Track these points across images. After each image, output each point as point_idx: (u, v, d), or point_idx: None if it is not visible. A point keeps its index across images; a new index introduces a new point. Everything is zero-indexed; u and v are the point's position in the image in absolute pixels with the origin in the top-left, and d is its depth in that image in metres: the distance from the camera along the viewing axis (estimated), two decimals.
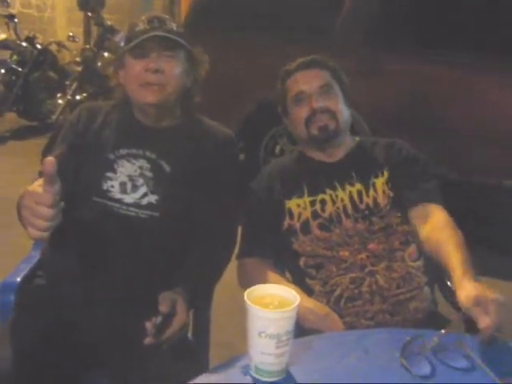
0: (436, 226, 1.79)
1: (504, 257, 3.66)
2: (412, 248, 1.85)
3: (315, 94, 1.92)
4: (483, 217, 4.05)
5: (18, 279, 1.84)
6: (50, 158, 1.33)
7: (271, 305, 1.25)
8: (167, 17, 1.84)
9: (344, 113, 1.96)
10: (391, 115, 4.20)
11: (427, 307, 1.82)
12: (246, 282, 1.79)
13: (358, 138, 2.05)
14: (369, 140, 2.07)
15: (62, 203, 1.40)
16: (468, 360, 1.35)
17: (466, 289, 1.47)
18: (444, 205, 1.87)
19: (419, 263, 1.84)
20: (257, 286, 1.30)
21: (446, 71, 4.10)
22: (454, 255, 1.63)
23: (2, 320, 1.74)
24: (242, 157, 4.63)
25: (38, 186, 1.39)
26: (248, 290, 1.27)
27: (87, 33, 6.33)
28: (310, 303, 1.70)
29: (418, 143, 3.88)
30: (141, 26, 1.79)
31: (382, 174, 1.91)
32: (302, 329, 1.61)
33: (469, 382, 1.29)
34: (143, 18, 1.81)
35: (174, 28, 1.81)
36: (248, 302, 1.23)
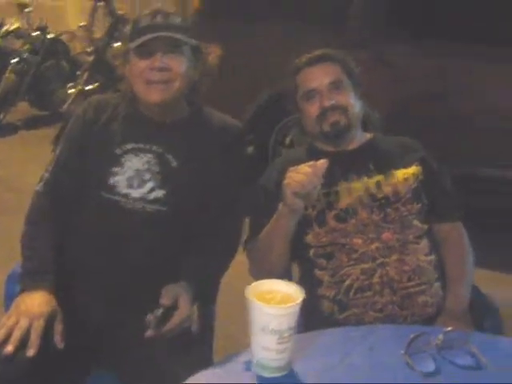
0: (453, 250, 1.90)
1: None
2: (425, 243, 1.85)
3: (325, 90, 1.90)
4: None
5: None
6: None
7: (273, 300, 1.25)
8: (171, 11, 1.81)
9: (355, 106, 1.94)
10: (401, 108, 4.16)
11: (436, 302, 1.80)
12: (256, 271, 1.82)
13: (370, 134, 2.03)
14: (385, 136, 2.06)
15: None
16: (473, 358, 1.34)
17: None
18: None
19: (431, 258, 1.84)
20: (259, 281, 1.29)
21: (458, 63, 4.06)
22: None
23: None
24: (251, 149, 4.63)
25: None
26: (250, 286, 1.26)
27: (98, 22, 6.32)
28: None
29: (430, 139, 3.95)
30: (144, 22, 1.77)
31: (407, 167, 1.90)
32: (306, 325, 1.61)
33: (474, 381, 1.28)
34: (146, 12, 1.79)
35: (178, 23, 1.79)
36: (250, 298, 1.22)
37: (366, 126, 2.06)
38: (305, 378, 1.27)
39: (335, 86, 1.91)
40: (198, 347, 1.77)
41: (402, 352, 1.32)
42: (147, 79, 1.75)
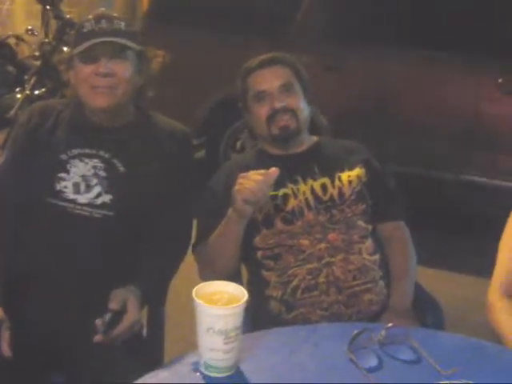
0: (396, 249, 1.96)
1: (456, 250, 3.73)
2: (369, 242, 1.90)
3: (276, 93, 1.93)
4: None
5: None
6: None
7: (220, 301, 1.26)
8: (115, 15, 1.81)
9: (304, 111, 1.98)
10: (351, 111, 4.24)
11: (381, 300, 1.85)
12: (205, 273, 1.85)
13: (316, 137, 2.07)
14: (329, 139, 2.11)
15: None
16: (414, 352, 1.38)
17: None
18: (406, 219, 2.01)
19: (376, 257, 1.89)
20: (206, 282, 1.31)
21: (406, 67, 4.16)
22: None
23: None
24: (202, 153, 4.64)
25: None
26: (197, 287, 1.28)
27: (45, 26, 6.23)
28: None
29: (380, 139, 4.05)
30: (88, 27, 1.76)
31: (351, 169, 1.95)
32: (254, 326, 1.64)
33: (415, 374, 1.32)
34: (90, 17, 1.78)
35: (123, 27, 1.78)
36: (195, 299, 1.24)
37: (313, 130, 2.11)
38: (252, 377, 1.29)
39: (286, 88, 1.94)
40: (149, 350, 1.79)
41: (346, 349, 1.36)
42: (92, 85, 1.75)
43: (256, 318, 1.87)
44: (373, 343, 1.39)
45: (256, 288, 1.90)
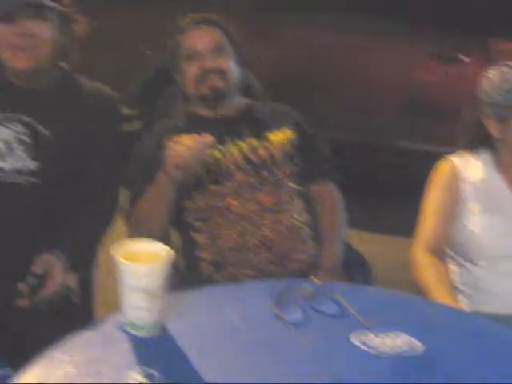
0: (326, 209, 1.97)
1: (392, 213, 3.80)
2: (299, 203, 1.91)
3: (207, 52, 1.92)
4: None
5: None
6: None
7: (143, 260, 1.25)
8: None
9: (235, 72, 1.97)
10: (287, 79, 4.23)
11: (311, 260, 1.88)
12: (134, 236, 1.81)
13: (248, 100, 2.06)
14: (261, 103, 2.11)
15: None
16: (339, 306, 1.40)
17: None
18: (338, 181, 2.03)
19: (305, 217, 1.91)
20: (128, 241, 1.29)
21: (343, 36, 4.17)
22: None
23: None
24: (139, 123, 4.56)
25: None
26: (119, 246, 1.26)
27: None
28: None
29: (313, 107, 4.06)
30: None
31: (281, 130, 1.95)
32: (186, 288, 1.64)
33: (339, 327, 1.35)
34: None
35: None
36: (117, 257, 1.22)
37: (250, 97, 2.10)
38: (178, 336, 1.28)
39: (217, 49, 1.93)
40: (79, 315, 1.76)
41: (272, 304, 1.37)
42: (11, 45, 1.69)
43: (187, 280, 1.88)
44: (299, 298, 1.41)
45: (187, 250, 1.90)
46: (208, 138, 1.69)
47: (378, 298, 1.47)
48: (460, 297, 1.88)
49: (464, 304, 1.86)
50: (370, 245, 2.60)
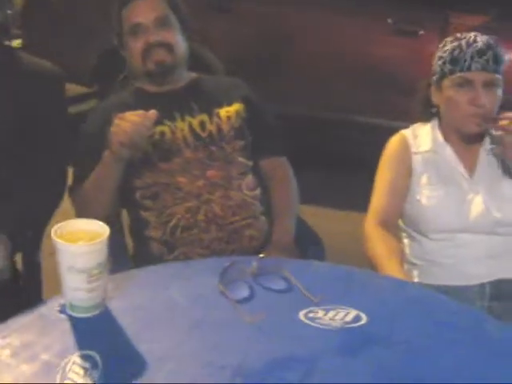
0: (277, 184, 1.95)
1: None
2: (250, 178, 1.89)
3: (152, 26, 1.86)
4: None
5: None
6: None
7: (82, 240, 1.22)
8: None
9: (181, 46, 1.92)
10: (244, 54, 4.19)
11: (263, 236, 1.86)
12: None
13: (197, 74, 2.02)
14: (210, 76, 2.07)
15: None
16: (286, 282, 1.38)
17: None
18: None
19: (256, 192, 1.88)
20: (66, 221, 1.25)
21: (302, 10, 4.13)
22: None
23: None
24: (95, 101, 4.48)
25: None
26: (56, 226, 1.22)
27: None
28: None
29: (270, 82, 4.03)
30: None
31: (229, 105, 1.92)
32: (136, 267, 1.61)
33: (286, 302, 1.33)
34: None
35: None
36: (54, 237, 1.18)
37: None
38: (120, 316, 1.25)
39: (161, 22, 1.88)
40: (25, 297, 1.72)
41: (217, 282, 1.34)
42: None
43: (138, 260, 1.86)
44: (245, 275, 1.38)
45: (136, 230, 1.87)
46: (153, 114, 1.64)
47: (326, 274, 1.45)
48: (412, 270, 1.88)
49: (416, 277, 1.86)
50: (324, 219, 2.60)
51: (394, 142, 1.90)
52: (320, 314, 1.27)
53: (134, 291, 1.35)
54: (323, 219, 2.68)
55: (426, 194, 1.82)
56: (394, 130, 1.94)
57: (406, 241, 1.92)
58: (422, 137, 1.88)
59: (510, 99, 1.82)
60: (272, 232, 1.87)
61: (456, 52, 1.76)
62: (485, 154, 1.84)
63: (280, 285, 1.38)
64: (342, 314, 1.27)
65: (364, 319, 1.26)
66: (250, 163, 1.90)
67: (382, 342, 1.20)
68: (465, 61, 1.74)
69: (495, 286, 1.78)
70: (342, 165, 3.95)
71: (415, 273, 1.87)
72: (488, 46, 1.74)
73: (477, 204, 1.79)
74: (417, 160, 1.85)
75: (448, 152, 1.84)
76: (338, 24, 4.06)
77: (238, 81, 2.03)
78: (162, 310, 1.29)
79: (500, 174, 1.82)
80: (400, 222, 1.92)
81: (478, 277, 1.79)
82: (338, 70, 4.08)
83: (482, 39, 1.76)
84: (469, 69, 1.74)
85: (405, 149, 1.87)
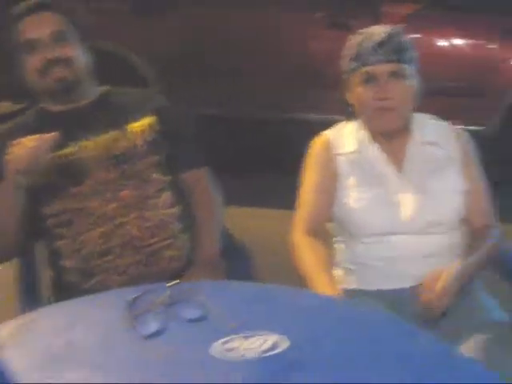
0: (199, 198, 1.84)
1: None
2: (167, 195, 1.78)
3: (48, 41, 1.75)
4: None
5: None
6: None
7: None
8: None
9: (82, 59, 1.81)
10: (172, 58, 4.08)
11: (184, 255, 1.76)
12: None
13: (105, 87, 1.90)
14: (121, 89, 1.95)
15: None
16: (201, 309, 1.28)
17: None
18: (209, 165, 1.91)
19: (174, 210, 1.78)
20: None
21: (227, 9, 4.04)
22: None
23: None
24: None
25: None
26: None
27: None
28: None
29: (201, 86, 3.93)
30: None
31: (142, 118, 1.81)
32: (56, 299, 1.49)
33: (200, 332, 1.23)
34: None
35: None
36: None
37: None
38: (17, 363, 1.14)
39: (58, 37, 1.77)
40: None
41: (126, 315, 1.24)
42: None
43: (57, 292, 1.75)
44: (156, 305, 1.27)
45: (53, 260, 1.77)
46: (50, 136, 1.53)
47: (247, 295, 1.35)
48: (347, 275, 1.80)
49: (351, 283, 1.78)
50: (248, 220, 2.48)
51: (316, 145, 1.82)
52: (236, 343, 1.17)
53: (36, 336, 1.23)
54: (252, 219, 2.57)
55: (353, 197, 1.74)
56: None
57: (338, 245, 1.84)
58: (346, 137, 1.80)
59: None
60: (195, 249, 1.76)
61: (357, 47, 1.70)
62: (413, 149, 1.77)
63: (195, 313, 1.27)
64: (260, 341, 1.17)
65: (286, 344, 1.17)
66: (167, 179, 1.79)
67: (304, 369, 1.12)
68: (366, 55, 1.67)
69: None
70: (280, 163, 3.86)
71: (350, 278, 1.79)
72: (389, 37, 1.67)
73: (407, 204, 1.72)
74: (341, 161, 1.77)
75: (374, 151, 1.76)
76: (267, 21, 3.98)
77: (151, 91, 1.94)
78: (63, 353, 1.17)
79: (430, 169, 1.75)
80: (331, 227, 1.84)
81: (413, 278, 1.71)
82: (271, 68, 4.00)
83: (382, 30, 1.69)
84: (371, 63, 1.67)
85: (328, 151, 1.79)
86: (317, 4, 3.96)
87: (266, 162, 3.82)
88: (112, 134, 1.76)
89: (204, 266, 1.71)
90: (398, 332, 1.23)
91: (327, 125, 1.87)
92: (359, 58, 1.69)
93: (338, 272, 1.81)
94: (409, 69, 1.70)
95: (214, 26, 4.05)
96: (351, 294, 1.76)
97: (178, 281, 1.32)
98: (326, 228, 1.82)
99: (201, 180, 1.87)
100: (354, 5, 3.95)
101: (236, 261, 1.81)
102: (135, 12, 4.01)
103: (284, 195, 3.44)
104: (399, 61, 1.68)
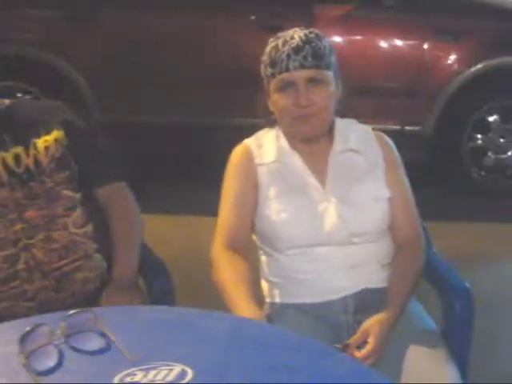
0: (115, 214, 1.75)
1: None
2: (78, 213, 1.68)
3: None
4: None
5: None
6: None
7: None
8: None
9: None
10: (106, 65, 3.96)
11: (99, 276, 1.67)
12: None
13: (9, 101, 1.78)
14: (28, 101, 1.84)
15: None
16: (103, 340, 1.19)
17: None
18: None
19: (86, 229, 1.68)
20: None
21: (161, 14, 3.96)
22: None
23: None
24: None
25: None
26: None
27: None
28: None
29: (138, 91, 3.83)
30: None
31: (48, 133, 1.69)
32: None
33: (101, 366, 1.14)
34: None
35: None
36: None
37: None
38: None
39: None
40: None
41: (16, 351, 1.14)
42: None
43: None
44: (53, 338, 1.18)
45: None
46: None
47: (153, 322, 1.27)
48: (272, 289, 1.73)
49: (277, 296, 1.71)
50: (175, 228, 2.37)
51: (236, 154, 1.74)
52: (139, 376, 1.09)
53: None
54: (180, 227, 2.47)
55: (274, 208, 1.67)
56: None
57: (262, 258, 1.77)
58: (267, 146, 1.73)
59: None
60: (112, 268, 1.67)
61: (273, 53, 1.63)
62: (334, 157, 1.70)
63: (95, 344, 1.18)
64: (163, 374, 1.10)
65: (190, 375, 1.09)
66: (78, 195, 1.68)
67: None
68: (282, 61, 1.61)
69: (358, 298, 1.65)
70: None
71: (275, 292, 1.72)
72: (306, 41, 1.60)
73: (330, 215, 1.65)
74: (262, 172, 1.70)
75: (295, 161, 1.69)
76: (201, 26, 3.90)
77: (58, 104, 1.81)
78: None
79: (352, 177, 1.70)
80: (254, 239, 1.76)
81: (341, 290, 1.65)
82: (206, 74, 3.92)
83: (299, 35, 1.62)
84: (287, 69, 1.60)
85: (248, 160, 1.71)
86: (249, 8, 3.90)
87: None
88: (16, 150, 1.65)
89: (120, 287, 1.61)
90: (309, 353, 1.16)
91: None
92: (275, 64, 1.63)
93: (263, 285, 1.75)
94: (328, 74, 1.64)
95: (148, 33, 3.96)
96: (277, 308, 1.69)
97: (80, 310, 1.22)
98: (252, 239, 1.75)
99: (117, 194, 1.77)
100: (286, 7, 3.91)
101: (155, 278, 1.73)
102: (67, 20, 3.88)
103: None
104: (318, 66, 1.62)
